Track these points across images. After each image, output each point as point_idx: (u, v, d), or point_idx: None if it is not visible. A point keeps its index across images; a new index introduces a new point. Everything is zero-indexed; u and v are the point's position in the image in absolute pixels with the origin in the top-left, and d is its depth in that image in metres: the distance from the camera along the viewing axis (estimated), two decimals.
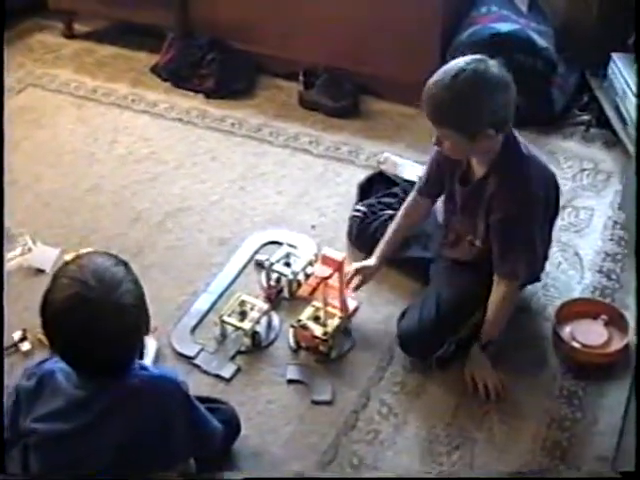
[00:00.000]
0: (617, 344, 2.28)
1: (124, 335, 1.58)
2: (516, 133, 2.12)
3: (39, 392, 1.67)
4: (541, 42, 3.07)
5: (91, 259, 1.62)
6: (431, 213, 2.47)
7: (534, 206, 2.10)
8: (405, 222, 2.43)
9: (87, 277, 1.54)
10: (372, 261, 2.41)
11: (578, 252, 2.61)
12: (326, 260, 2.28)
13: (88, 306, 1.53)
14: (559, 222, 2.69)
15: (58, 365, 1.68)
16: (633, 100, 2.87)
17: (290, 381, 2.27)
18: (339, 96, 3.35)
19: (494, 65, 1.98)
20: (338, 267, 2.27)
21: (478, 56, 1.99)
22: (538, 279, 2.42)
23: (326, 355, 2.31)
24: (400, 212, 2.45)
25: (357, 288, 2.42)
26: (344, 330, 2.36)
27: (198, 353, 2.35)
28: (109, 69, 3.80)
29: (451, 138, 2.04)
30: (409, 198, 2.44)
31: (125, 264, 1.64)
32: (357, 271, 2.40)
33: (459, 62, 1.98)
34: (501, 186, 2.09)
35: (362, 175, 2.90)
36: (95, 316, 1.53)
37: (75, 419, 1.62)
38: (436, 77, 1.99)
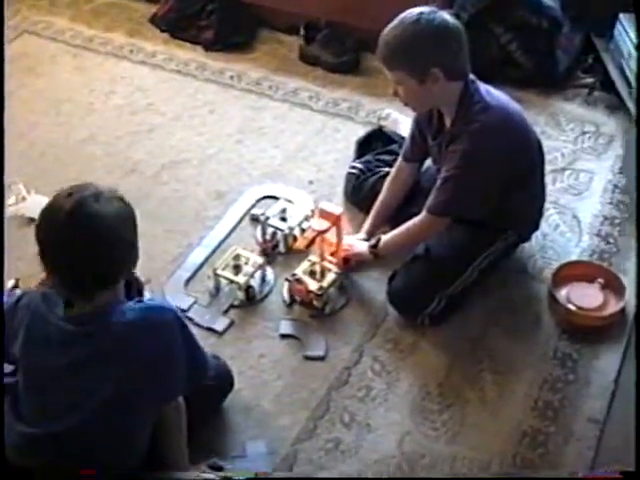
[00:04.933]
0: (613, 307, 2.27)
1: (108, 242, 1.60)
2: (481, 83, 2.14)
3: (19, 318, 1.69)
4: (546, 0, 3.02)
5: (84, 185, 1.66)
6: (428, 169, 2.45)
7: (475, 157, 2.09)
8: (393, 191, 2.45)
9: (72, 191, 1.60)
10: (364, 249, 2.34)
11: (577, 215, 2.59)
12: (324, 214, 2.26)
13: (68, 215, 1.56)
14: (558, 184, 2.69)
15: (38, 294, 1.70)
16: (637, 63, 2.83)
17: (283, 336, 2.26)
18: (340, 52, 3.30)
19: (444, 14, 2.08)
20: (335, 221, 2.25)
21: (431, 7, 2.08)
22: (524, 239, 2.40)
23: (320, 310, 2.30)
24: (387, 182, 2.46)
25: (349, 272, 2.41)
26: (339, 286, 2.35)
27: (191, 306, 2.34)
28: (106, 18, 3.73)
29: (403, 82, 2.09)
30: (395, 166, 2.46)
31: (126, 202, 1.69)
32: (349, 259, 2.37)
33: (412, 10, 2.08)
34: (456, 131, 2.13)
35: (361, 132, 2.86)
36: (75, 224, 1.56)
37: (70, 354, 1.62)
38: (389, 25, 2.09)
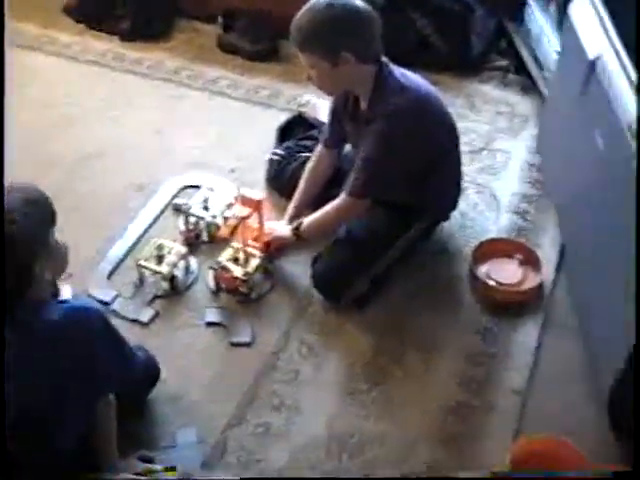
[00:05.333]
0: (531, 282, 2.34)
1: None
2: (395, 67, 2.18)
3: None
4: None
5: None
6: (348, 153, 2.48)
7: (390, 138, 2.13)
8: (314, 177, 2.47)
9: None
10: (286, 231, 2.36)
11: (494, 194, 2.65)
12: (244, 200, 2.27)
13: None
14: (476, 164, 2.74)
15: None
16: (548, 45, 2.90)
17: (209, 324, 2.26)
18: (258, 39, 3.30)
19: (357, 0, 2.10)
20: (256, 206, 2.26)
21: None
22: (444, 219, 2.45)
23: (247, 296, 2.30)
24: (308, 168, 2.48)
25: (272, 258, 2.41)
26: (264, 271, 2.36)
27: (115, 298, 2.32)
28: (18, 9, 3.61)
29: (315, 65, 2.11)
30: (315, 153, 2.48)
31: (33, 200, 1.61)
32: (271, 243, 2.38)
33: None
34: (372, 114, 2.16)
35: (281, 118, 2.86)
36: None
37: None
38: (302, 9, 2.10)
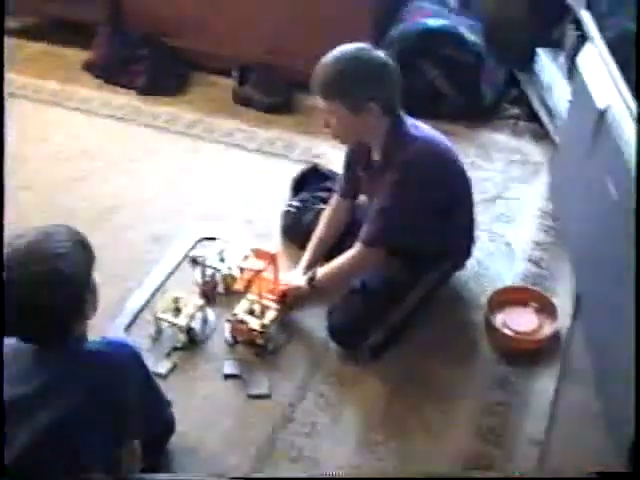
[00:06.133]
0: (547, 330, 2.33)
1: (52, 304, 1.56)
2: (408, 118, 2.21)
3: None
4: (470, 36, 3.14)
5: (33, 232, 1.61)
6: (363, 203, 2.50)
7: (404, 187, 2.15)
8: (330, 228, 2.49)
9: (20, 247, 1.56)
10: (301, 282, 2.37)
11: (509, 242, 2.67)
12: (260, 254, 2.29)
13: (15, 273, 1.54)
14: (490, 213, 2.76)
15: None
16: (558, 94, 2.94)
17: (227, 376, 2.26)
18: (272, 92, 3.36)
19: (379, 51, 2.13)
20: (272, 259, 2.27)
21: (366, 44, 2.14)
22: (459, 267, 2.46)
23: (263, 348, 2.31)
24: (323, 217, 2.50)
25: (288, 309, 2.41)
26: (280, 323, 2.37)
27: None
28: (39, 65, 3.74)
29: (336, 113, 2.13)
30: (331, 203, 2.51)
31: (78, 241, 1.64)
32: (287, 293, 2.38)
33: (350, 45, 2.13)
34: (385, 164, 2.18)
35: (296, 170, 2.90)
36: (22, 282, 1.53)
37: (31, 383, 1.59)
38: (328, 56, 2.13)
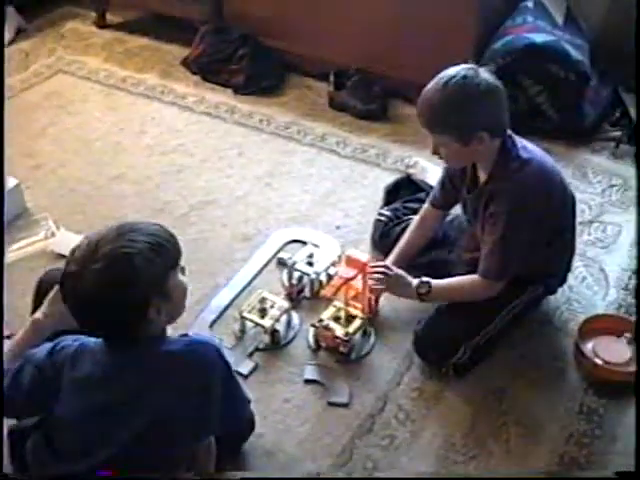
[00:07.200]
0: None
1: (122, 301, 1.54)
2: (517, 138, 2.14)
3: (75, 362, 1.64)
4: (575, 54, 3.05)
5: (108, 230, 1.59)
6: (455, 219, 2.48)
7: (523, 213, 2.09)
8: (417, 234, 2.46)
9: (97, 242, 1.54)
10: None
11: (604, 268, 2.59)
12: (350, 261, 2.27)
13: (74, 267, 1.54)
14: (585, 237, 2.68)
15: (82, 341, 1.67)
16: None
17: (307, 381, 2.26)
18: (369, 99, 3.34)
19: (484, 72, 2.03)
20: (362, 268, 2.25)
21: (469, 65, 2.05)
22: (551, 292, 2.40)
23: (346, 356, 2.29)
24: (413, 224, 2.47)
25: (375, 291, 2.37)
26: (364, 332, 2.35)
27: None
28: (139, 60, 3.82)
29: (445, 144, 2.07)
30: (422, 210, 2.47)
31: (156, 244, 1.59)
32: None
33: (450, 70, 2.03)
34: (495, 189, 2.12)
35: (388, 178, 2.89)
36: (94, 281, 1.51)
37: (112, 389, 1.60)
38: (429, 85, 2.05)
